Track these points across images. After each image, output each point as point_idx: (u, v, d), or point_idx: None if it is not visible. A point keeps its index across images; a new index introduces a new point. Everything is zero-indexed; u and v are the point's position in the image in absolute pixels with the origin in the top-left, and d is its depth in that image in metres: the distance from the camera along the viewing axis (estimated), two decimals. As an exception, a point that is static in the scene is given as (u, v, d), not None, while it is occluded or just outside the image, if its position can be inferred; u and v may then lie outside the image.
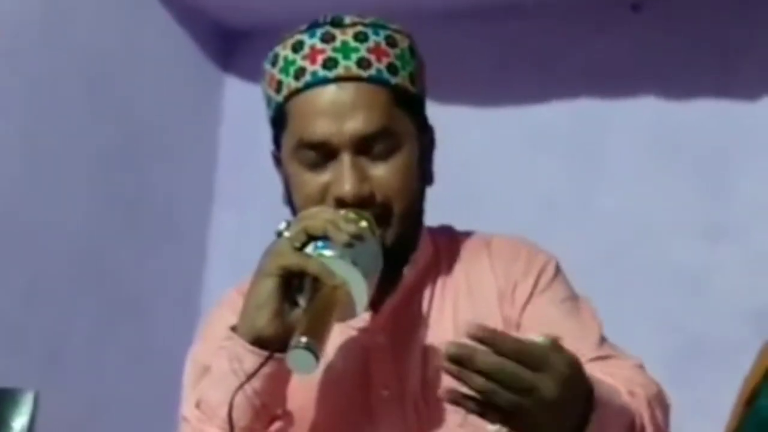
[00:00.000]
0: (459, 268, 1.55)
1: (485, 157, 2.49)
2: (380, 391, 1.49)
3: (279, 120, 1.47)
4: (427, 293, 1.52)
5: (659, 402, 1.41)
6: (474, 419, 1.45)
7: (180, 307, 2.64)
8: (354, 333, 1.50)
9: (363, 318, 1.48)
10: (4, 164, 2.13)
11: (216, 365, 1.36)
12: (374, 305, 1.47)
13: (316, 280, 1.26)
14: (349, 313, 1.30)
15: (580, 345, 1.42)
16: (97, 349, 2.36)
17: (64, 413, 2.06)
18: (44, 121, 2.23)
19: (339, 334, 1.49)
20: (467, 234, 1.62)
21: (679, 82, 2.38)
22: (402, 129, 1.44)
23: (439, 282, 1.54)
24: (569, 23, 2.48)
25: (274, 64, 1.47)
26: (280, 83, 1.45)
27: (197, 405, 1.37)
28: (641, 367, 1.45)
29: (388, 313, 1.48)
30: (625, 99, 2.42)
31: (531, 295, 1.52)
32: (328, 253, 1.27)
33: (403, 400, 1.48)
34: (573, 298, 1.53)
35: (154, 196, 2.60)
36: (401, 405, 1.48)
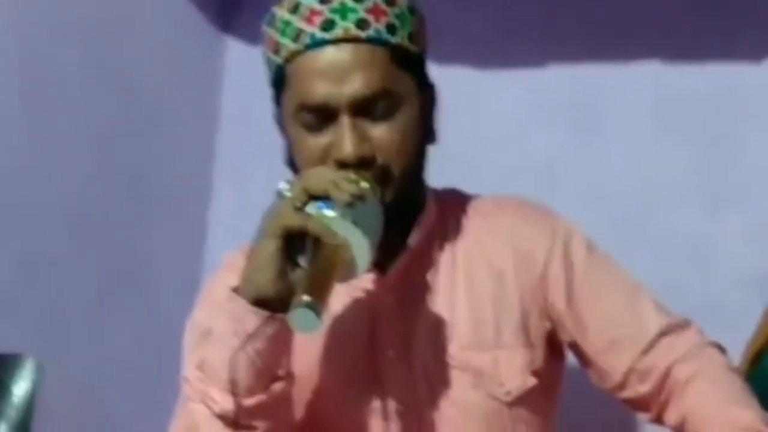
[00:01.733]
0: (470, 233, 1.59)
1: (484, 120, 2.49)
2: (386, 351, 1.52)
3: (279, 82, 1.50)
4: (436, 255, 1.57)
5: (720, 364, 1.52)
6: (488, 380, 1.48)
7: (181, 276, 2.63)
8: (361, 294, 1.53)
9: (370, 279, 1.50)
10: (2, 135, 2.12)
11: (218, 326, 1.39)
12: (382, 267, 1.50)
13: (317, 240, 1.27)
14: (351, 273, 1.31)
15: (644, 325, 1.53)
16: (98, 318, 2.36)
17: (66, 381, 2.06)
18: (42, 91, 2.22)
19: (346, 296, 1.53)
20: (474, 197, 1.64)
21: (681, 46, 2.37)
22: (402, 89, 1.46)
23: (448, 245, 1.57)
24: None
25: (272, 25, 1.49)
26: (278, 45, 1.47)
27: (199, 366, 1.40)
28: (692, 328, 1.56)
29: (396, 275, 1.51)
30: (626, 63, 2.41)
31: (569, 276, 1.56)
32: (329, 212, 1.29)
33: (410, 362, 1.50)
34: (610, 269, 1.60)
35: (154, 166, 2.59)
36: (408, 366, 1.50)
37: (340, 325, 1.51)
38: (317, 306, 1.21)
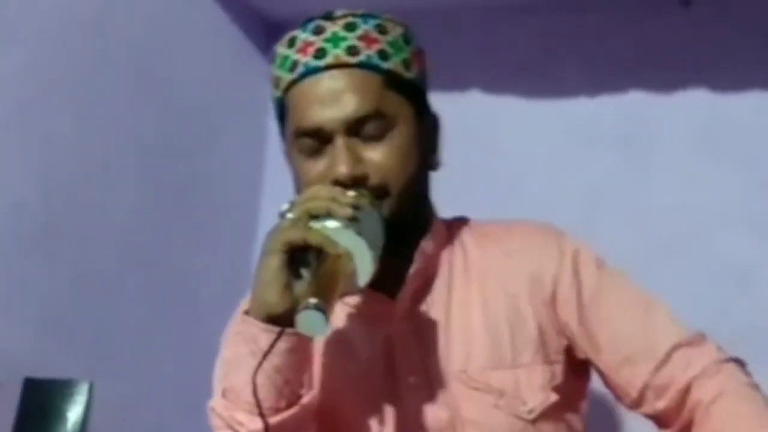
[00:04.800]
0: (483, 258, 1.61)
1: (532, 149, 2.49)
2: (407, 378, 1.54)
3: (281, 114, 1.53)
4: (446, 277, 1.58)
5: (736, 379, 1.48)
6: (509, 399, 1.49)
7: (228, 296, 2.63)
8: (377, 323, 1.54)
9: (383, 307, 1.52)
10: (52, 154, 2.15)
11: (234, 351, 1.39)
12: (393, 293, 1.51)
13: (320, 253, 1.29)
14: (354, 283, 1.33)
15: (657, 340, 1.51)
16: (146, 338, 2.38)
17: (115, 402, 2.07)
18: (93, 111, 2.25)
19: (361, 325, 1.55)
20: (485, 223, 1.67)
21: (728, 75, 2.36)
22: (395, 111, 1.50)
23: (460, 265, 1.58)
24: (618, 16, 2.47)
25: (273, 62, 1.54)
26: (278, 79, 1.53)
27: (223, 394, 1.41)
28: (708, 342, 1.53)
29: (408, 299, 1.53)
30: (673, 92, 2.41)
31: (579, 295, 1.55)
32: (331, 225, 1.31)
33: (431, 386, 1.51)
34: (621, 284, 1.57)
35: (203, 186, 2.61)
36: (429, 390, 1.51)
37: (358, 354, 1.53)
38: (324, 307, 1.21)
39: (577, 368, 1.58)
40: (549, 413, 1.52)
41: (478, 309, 1.54)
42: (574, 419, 1.59)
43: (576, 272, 1.56)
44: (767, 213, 2.29)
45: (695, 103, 2.39)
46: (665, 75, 2.42)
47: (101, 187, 2.28)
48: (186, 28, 2.57)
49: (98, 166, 2.27)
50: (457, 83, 2.39)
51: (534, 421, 1.51)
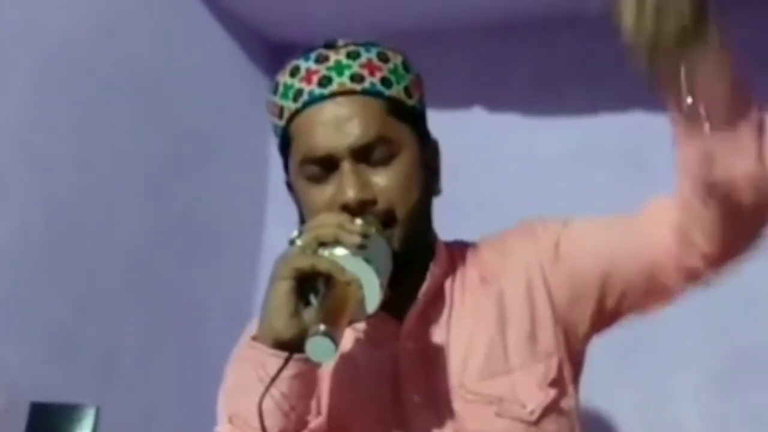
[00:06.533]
0: (475, 271, 1.61)
1: (534, 167, 2.49)
2: (412, 397, 1.53)
3: (285, 144, 1.55)
4: (447, 296, 1.58)
5: None
6: (510, 405, 1.49)
7: (232, 317, 2.65)
8: (383, 345, 1.55)
9: (389, 328, 1.53)
10: (56, 175, 2.16)
11: (241, 376, 1.40)
12: (399, 314, 1.53)
13: (328, 280, 1.31)
14: (362, 311, 1.34)
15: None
16: (150, 359, 2.39)
17: (122, 426, 2.08)
18: (97, 135, 2.26)
19: (367, 347, 1.56)
20: (478, 243, 1.70)
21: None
22: (399, 137, 1.51)
23: (458, 285, 1.61)
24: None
25: (275, 92, 1.56)
26: (281, 108, 1.54)
27: (230, 420, 1.41)
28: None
29: (413, 320, 1.54)
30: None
31: (559, 236, 1.58)
32: (339, 252, 1.32)
33: (435, 402, 1.53)
34: (587, 218, 1.63)
35: (206, 208, 2.62)
36: (434, 407, 1.53)
37: (365, 375, 1.54)
38: (332, 334, 1.24)
39: (570, 354, 1.59)
40: (550, 410, 1.54)
41: (472, 322, 1.56)
42: (571, 407, 1.60)
43: (552, 240, 1.59)
44: (770, 229, 2.30)
45: (697, 121, 2.39)
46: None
47: (105, 210, 2.29)
48: (191, 51, 2.58)
49: (102, 188, 2.28)
50: (460, 102, 2.41)
51: (537, 422, 1.53)
